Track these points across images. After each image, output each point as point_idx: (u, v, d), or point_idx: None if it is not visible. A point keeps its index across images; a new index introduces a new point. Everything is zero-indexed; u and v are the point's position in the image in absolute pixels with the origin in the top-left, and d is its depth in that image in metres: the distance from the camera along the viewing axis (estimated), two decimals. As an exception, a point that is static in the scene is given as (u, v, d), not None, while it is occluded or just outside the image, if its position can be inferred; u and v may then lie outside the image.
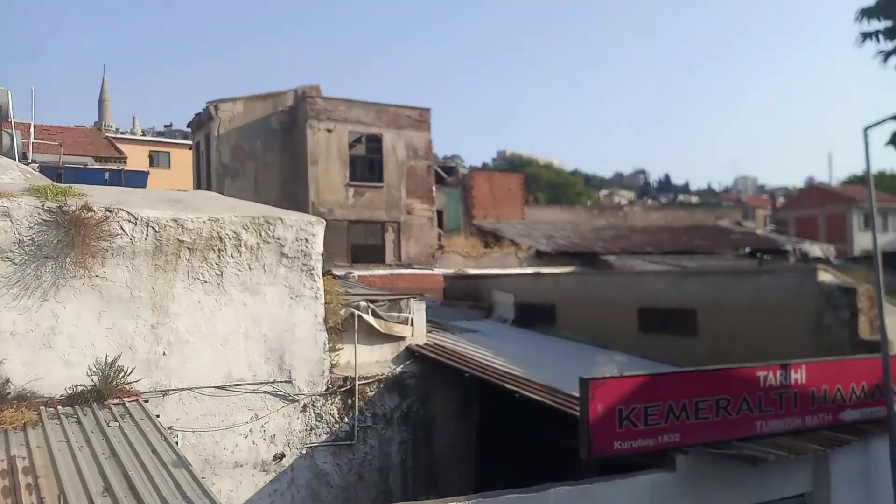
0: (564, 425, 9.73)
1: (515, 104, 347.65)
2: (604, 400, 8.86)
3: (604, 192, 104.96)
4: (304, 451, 10.73)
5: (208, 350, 10.17)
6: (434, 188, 30.20)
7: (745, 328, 13.69)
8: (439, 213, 33.34)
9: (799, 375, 10.38)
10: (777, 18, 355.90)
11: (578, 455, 9.01)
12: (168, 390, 9.76)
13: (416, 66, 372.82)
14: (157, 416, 8.98)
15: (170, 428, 9.42)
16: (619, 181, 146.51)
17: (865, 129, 11.48)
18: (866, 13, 5.96)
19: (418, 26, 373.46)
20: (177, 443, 8.45)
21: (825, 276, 13.27)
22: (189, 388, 9.89)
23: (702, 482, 9.17)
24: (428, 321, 13.71)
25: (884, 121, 11.22)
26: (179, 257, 10.12)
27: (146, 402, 9.08)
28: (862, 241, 48.31)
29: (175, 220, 10.10)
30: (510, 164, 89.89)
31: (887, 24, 5.92)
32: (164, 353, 9.86)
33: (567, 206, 50.35)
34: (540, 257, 30.41)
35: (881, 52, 5.77)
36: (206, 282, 10.29)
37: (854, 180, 68.77)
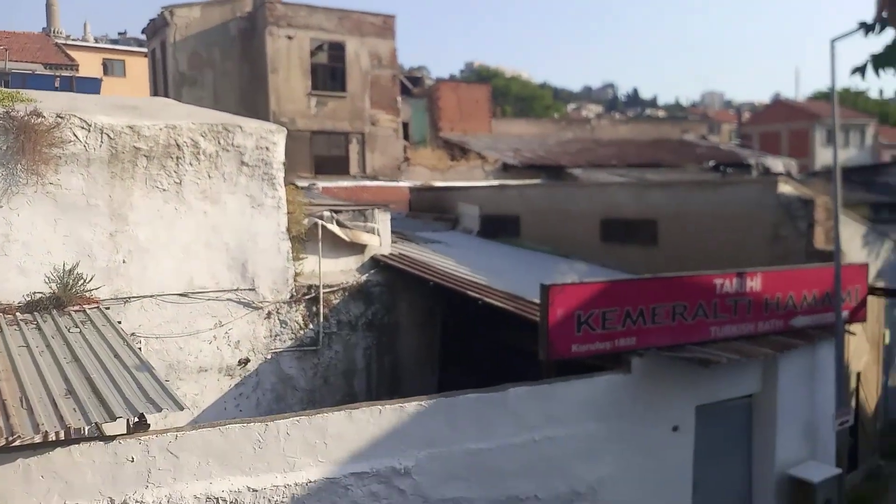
0: (526, 331, 9.95)
1: (484, 15, 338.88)
2: (563, 305, 9.03)
3: (572, 106, 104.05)
4: (268, 357, 10.87)
5: (169, 258, 10.09)
6: (399, 99, 29.60)
7: (704, 238, 13.95)
8: (405, 125, 32.82)
9: (754, 283, 10.66)
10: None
11: (539, 359, 9.26)
12: (129, 297, 9.73)
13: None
14: (119, 322, 8.97)
15: (132, 334, 9.44)
16: (587, 95, 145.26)
17: (832, 41, 11.41)
18: None
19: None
20: (140, 349, 8.48)
21: (785, 188, 13.47)
22: (151, 296, 9.86)
23: (656, 384, 9.51)
24: (393, 232, 13.74)
25: (851, 32, 11.12)
26: (136, 165, 9.90)
27: (107, 308, 9.05)
28: (824, 156, 48.99)
29: (130, 128, 9.83)
30: (478, 76, 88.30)
31: None
32: (123, 261, 9.76)
33: (535, 120, 49.95)
34: (507, 170, 30.32)
35: None
36: (164, 190, 10.12)
37: (819, 96, 69.11)
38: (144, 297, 9.84)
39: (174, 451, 6.70)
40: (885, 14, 5.92)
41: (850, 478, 13.35)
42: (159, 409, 6.32)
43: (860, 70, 5.79)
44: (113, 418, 6.12)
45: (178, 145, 10.13)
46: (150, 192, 9.99)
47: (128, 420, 6.72)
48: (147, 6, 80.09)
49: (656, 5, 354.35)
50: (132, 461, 6.52)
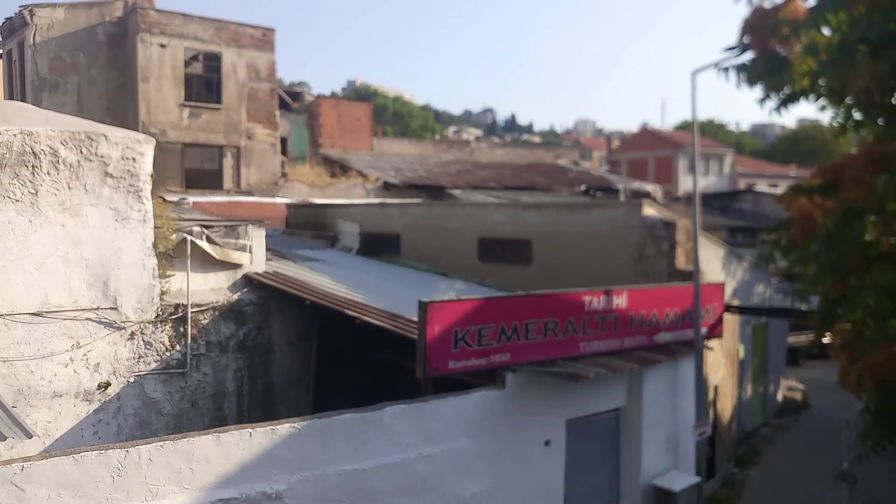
0: (404, 349, 9.94)
1: (368, 35, 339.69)
2: (441, 322, 9.10)
3: (453, 129, 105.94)
4: (131, 380, 10.24)
5: (21, 274, 9.33)
6: (278, 113, 29.03)
7: (575, 257, 14.51)
8: (283, 140, 32.22)
9: (620, 301, 11.17)
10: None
11: (416, 377, 9.25)
12: (-28, 317, 8.89)
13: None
14: (-41, 344, 8.20)
15: (-25, 357, 8.65)
16: (468, 119, 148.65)
17: (693, 73, 12.22)
18: None
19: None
20: (-17, 373, 7.77)
21: (649, 211, 14.23)
22: (-2, 315, 9.07)
23: (528, 399, 9.74)
24: (268, 249, 13.37)
25: (712, 64, 11.94)
26: (-15, 173, 9.12)
27: (-55, 329, 8.24)
28: (686, 182, 52.27)
29: (-22, 133, 9.06)
30: (359, 95, 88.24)
31: None
32: (-34, 278, 8.93)
33: (416, 140, 50.41)
34: (387, 189, 30.36)
35: None
36: (17, 201, 9.38)
37: (683, 126, 73.89)
38: (-10, 316, 9.04)
39: (19, 484, 6.14)
40: (745, 40, 6.49)
41: (708, 486, 14.19)
42: (3, 438, 5.81)
43: (725, 69, 6.36)
44: (-53, 449, 5.57)
45: (34, 153, 9.43)
46: (1, 202, 9.23)
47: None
48: (3, 4, 74.61)
49: (535, 38, 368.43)
50: (-31, 496, 5.94)
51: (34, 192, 9.47)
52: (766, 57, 6.22)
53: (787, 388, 22.38)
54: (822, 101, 6.48)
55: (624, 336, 11.27)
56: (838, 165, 6.22)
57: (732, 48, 6.58)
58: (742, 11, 6.50)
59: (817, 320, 7.03)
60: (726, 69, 6.36)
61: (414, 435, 8.57)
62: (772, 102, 6.57)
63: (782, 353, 22.10)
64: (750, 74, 6.27)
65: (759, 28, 6.25)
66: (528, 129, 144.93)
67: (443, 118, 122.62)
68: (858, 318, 6.33)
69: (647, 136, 62.67)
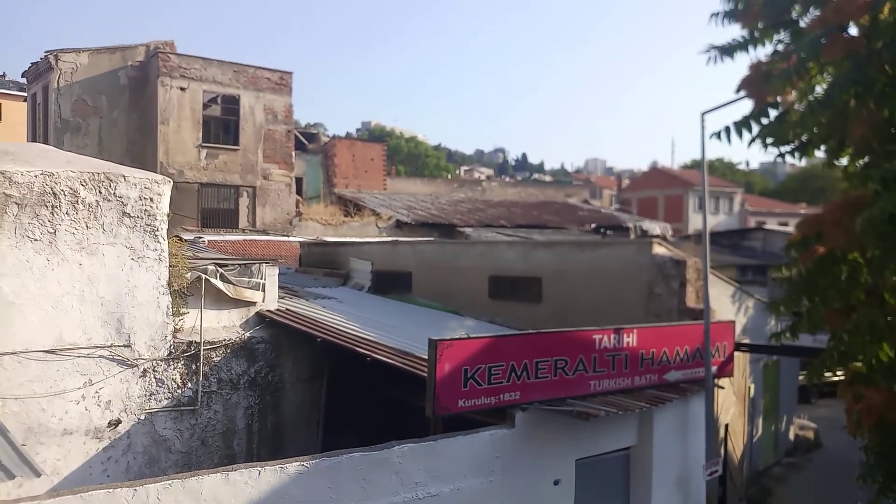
0: (414, 387, 9.96)
1: (382, 77, 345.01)
2: (451, 360, 9.13)
3: (464, 168, 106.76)
4: (142, 417, 10.31)
5: (37, 312, 9.50)
6: (294, 154, 29.52)
7: (585, 295, 14.53)
8: (299, 180, 32.67)
9: (630, 339, 11.17)
10: (631, 8, 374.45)
11: (426, 415, 9.26)
12: (-12, 354, 9.03)
13: (282, 34, 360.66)
14: (-25, 381, 8.33)
15: (-11, 394, 8.77)
16: (479, 158, 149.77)
17: (703, 114, 12.36)
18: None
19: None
20: (-3, 409, 7.88)
21: (659, 249, 14.28)
22: (13, 353, 9.20)
23: (538, 438, 9.70)
24: (281, 287, 13.51)
25: (720, 106, 12.09)
26: (6, 213, 9.35)
27: (-38, 366, 8.38)
28: (696, 221, 52.28)
29: (1, 173, 9.31)
30: (374, 136, 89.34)
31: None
32: (-16, 315, 9.10)
33: (428, 179, 50.90)
34: (400, 228, 30.61)
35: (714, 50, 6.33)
36: (36, 240, 9.58)
37: (693, 165, 74.11)
38: (5, 354, 9.16)
39: (29, 521, 6.20)
40: (743, 93, 6.63)
41: (721, 527, 13.94)
42: (12, 477, 5.88)
43: (719, 134, 6.50)
44: (-41, 485, 5.64)
45: (54, 193, 9.67)
46: (19, 241, 9.44)
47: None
48: (30, 49, 76.61)
49: (545, 79, 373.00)
50: (-20, 533, 6.00)
51: (53, 231, 9.68)
52: (762, 109, 6.36)
53: (800, 426, 22.07)
54: (822, 151, 6.58)
55: (634, 375, 11.24)
56: (819, 216, 6.33)
57: (733, 101, 6.73)
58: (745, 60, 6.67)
59: (824, 358, 7.01)
60: (728, 132, 6.47)
61: (423, 474, 8.55)
62: (774, 151, 6.66)
63: (794, 392, 21.84)
64: (746, 125, 6.39)
65: (755, 81, 6.40)
66: (539, 168, 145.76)
67: (455, 158, 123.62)
68: (859, 357, 6.34)
69: (657, 175, 62.91)
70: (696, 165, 67.75)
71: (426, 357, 9.44)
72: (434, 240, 26.81)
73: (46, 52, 25.65)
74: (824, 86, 6.25)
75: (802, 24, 6.37)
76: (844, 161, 6.75)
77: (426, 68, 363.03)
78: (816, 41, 5.73)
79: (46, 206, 9.64)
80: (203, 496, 7.16)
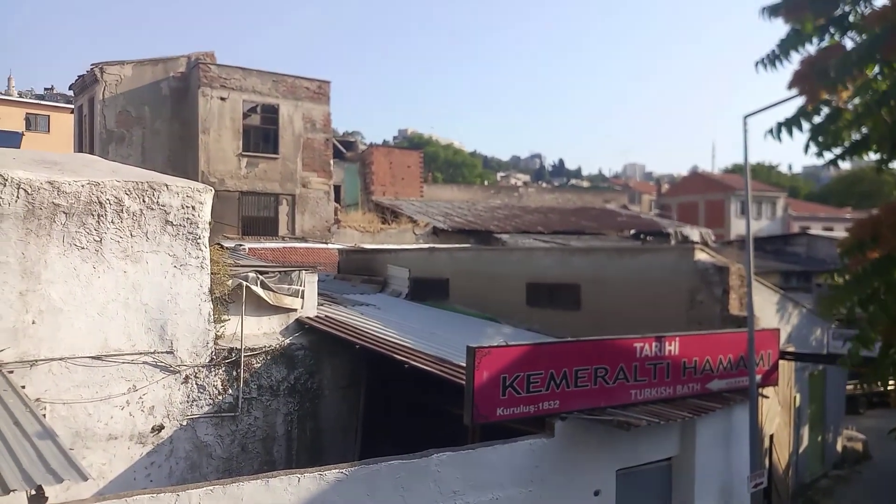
0: (452, 394, 9.92)
1: (419, 85, 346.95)
2: (489, 368, 9.08)
3: (501, 174, 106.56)
4: (184, 423, 10.46)
5: (83, 319, 9.71)
6: (332, 162, 29.76)
7: (625, 302, 14.33)
8: (337, 188, 32.94)
9: (672, 347, 10.98)
10: (672, 13, 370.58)
11: (464, 423, 9.22)
12: (36, 360, 9.25)
13: (321, 43, 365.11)
14: (23, 387, 8.53)
15: (37, 400, 8.97)
16: (516, 164, 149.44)
17: (745, 118, 12.12)
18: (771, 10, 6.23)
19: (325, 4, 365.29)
20: (44, 415, 8.06)
21: (701, 256, 14.03)
22: (60, 359, 9.42)
23: (578, 447, 9.58)
24: (320, 294, 13.61)
25: (763, 109, 11.84)
26: (54, 222, 9.60)
27: (10, 372, 8.61)
28: (738, 226, 51.40)
29: (50, 183, 9.56)
30: (410, 143, 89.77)
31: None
32: (33, 322, 9.33)
33: (465, 186, 50.91)
34: (437, 234, 30.64)
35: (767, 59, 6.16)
36: (83, 248, 9.81)
37: (734, 169, 72.97)
38: (53, 360, 9.39)
39: (75, 525, 6.32)
40: (794, 90, 6.46)
41: (767, 540, 13.60)
42: (60, 481, 5.98)
43: (772, 131, 6.34)
44: (6, 491, 5.73)
45: (100, 202, 9.89)
46: (67, 249, 9.67)
47: (26, 492, 6.32)
48: (77, 62, 78.96)
49: (583, 83, 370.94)
50: (28, 536, 6.11)
51: (99, 239, 9.89)
52: (816, 106, 6.18)
53: (847, 437, 21.44)
54: (874, 153, 6.36)
55: (676, 384, 11.05)
56: (876, 218, 6.12)
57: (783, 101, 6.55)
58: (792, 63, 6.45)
59: (876, 366, 6.77)
60: (778, 130, 6.30)
61: (461, 483, 8.50)
62: (827, 155, 6.44)
63: (841, 402, 21.24)
64: (796, 122, 6.22)
65: (808, 76, 6.21)
66: (577, 173, 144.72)
67: (491, 164, 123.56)
68: None
69: (698, 180, 62.01)
70: (738, 170, 66.68)
71: (464, 364, 9.40)
72: (471, 246, 26.79)
73: (92, 64, 26.32)
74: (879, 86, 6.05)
75: (852, 18, 6.19)
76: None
77: (462, 75, 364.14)
78: (877, 38, 5.54)
79: (93, 215, 9.86)
80: (244, 502, 7.21)
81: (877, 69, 6.10)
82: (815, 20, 6.31)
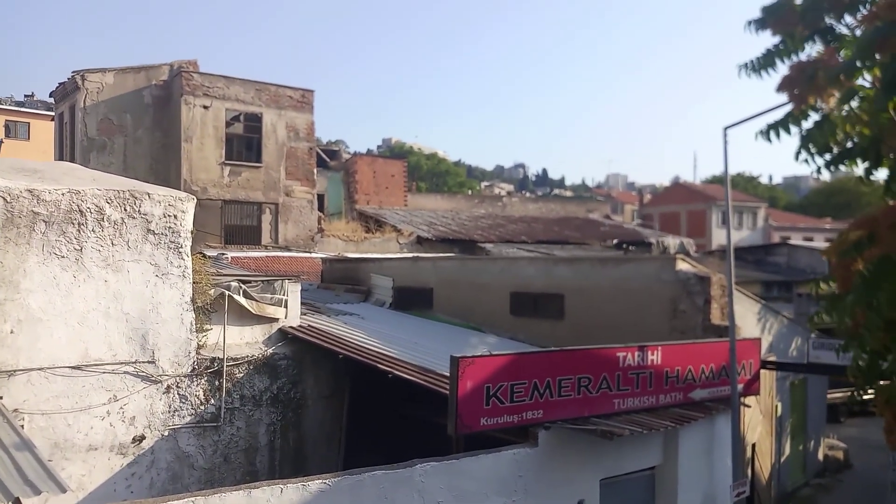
0: (436, 404, 9.90)
1: (403, 94, 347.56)
2: (473, 378, 9.07)
3: (485, 184, 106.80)
4: (166, 433, 10.35)
5: (63, 328, 9.60)
6: (315, 171, 29.68)
7: (608, 312, 14.40)
8: (320, 197, 32.84)
9: (655, 357, 11.04)
10: (654, 24, 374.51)
11: (448, 433, 9.19)
12: (14, 370, 9.13)
13: (305, 52, 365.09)
14: (1, 397, 8.41)
15: (15, 410, 8.85)
16: (499, 174, 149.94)
17: (725, 129, 12.23)
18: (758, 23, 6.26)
19: (310, 11, 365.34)
20: (22, 426, 7.94)
21: (683, 266, 14.14)
22: (39, 369, 9.29)
23: (561, 457, 9.59)
24: (303, 304, 13.55)
25: (743, 121, 11.97)
26: (34, 230, 9.49)
27: (-11, 382, 8.47)
28: (719, 236, 51.79)
29: (30, 191, 9.46)
30: (394, 153, 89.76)
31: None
32: (11, 331, 9.21)
33: (449, 195, 50.94)
34: (421, 243, 30.63)
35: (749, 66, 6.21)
36: (63, 257, 9.71)
37: (715, 180, 73.62)
38: (32, 369, 9.26)
39: (54, 537, 6.23)
40: (782, 95, 6.53)
41: (749, 549, 13.65)
42: (38, 493, 5.90)
43: (762, 132, 6.41)
44: (-16, 502, 5.67)
45: (80, 211, 9.80)
46: (47, 258, 9.56)
47: (4, 504, 6.23)
48: (57, 69, 78.55)
49: (566, 93, 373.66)
50: (5, 549, 6.02)
51: (79, 248, 9.79)
52: (803, 110, 6.24)
53: (828, 446, 21.60)
54: (861, 161, 6.40)
55: (659, 393, 11.10)
56: (873, 217, 6.14)
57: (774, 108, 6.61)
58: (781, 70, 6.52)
59: (859, 374, 6.79)
60: (768, 132, 6.37)
61: (445, 493, 8.48)
62: (818, 161, 6.47)
63: (822, 410, 21.41)
64: (785, 126, 6.29)
65: (796, 81, 6.27)
66: (560, 183, 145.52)
67: (475, 173, 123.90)
68: None
69: (679, 190, 62.50)
70: (719, 180, 67.25)
71: (448, 374, 9.38)
72: (455, 256, 26.80)
73: (73, 72, 26.11)
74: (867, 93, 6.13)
75: (841, 30, 6.29)
76: (882, 173, 6.56)
77: (446, 85, 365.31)
78: (870, 38, 5.60)
79: (73, 224, 9.76)
80: (226, 514, 7.13)
81: (864, 77, 6.18)
82: (803, 32, 6.41)
